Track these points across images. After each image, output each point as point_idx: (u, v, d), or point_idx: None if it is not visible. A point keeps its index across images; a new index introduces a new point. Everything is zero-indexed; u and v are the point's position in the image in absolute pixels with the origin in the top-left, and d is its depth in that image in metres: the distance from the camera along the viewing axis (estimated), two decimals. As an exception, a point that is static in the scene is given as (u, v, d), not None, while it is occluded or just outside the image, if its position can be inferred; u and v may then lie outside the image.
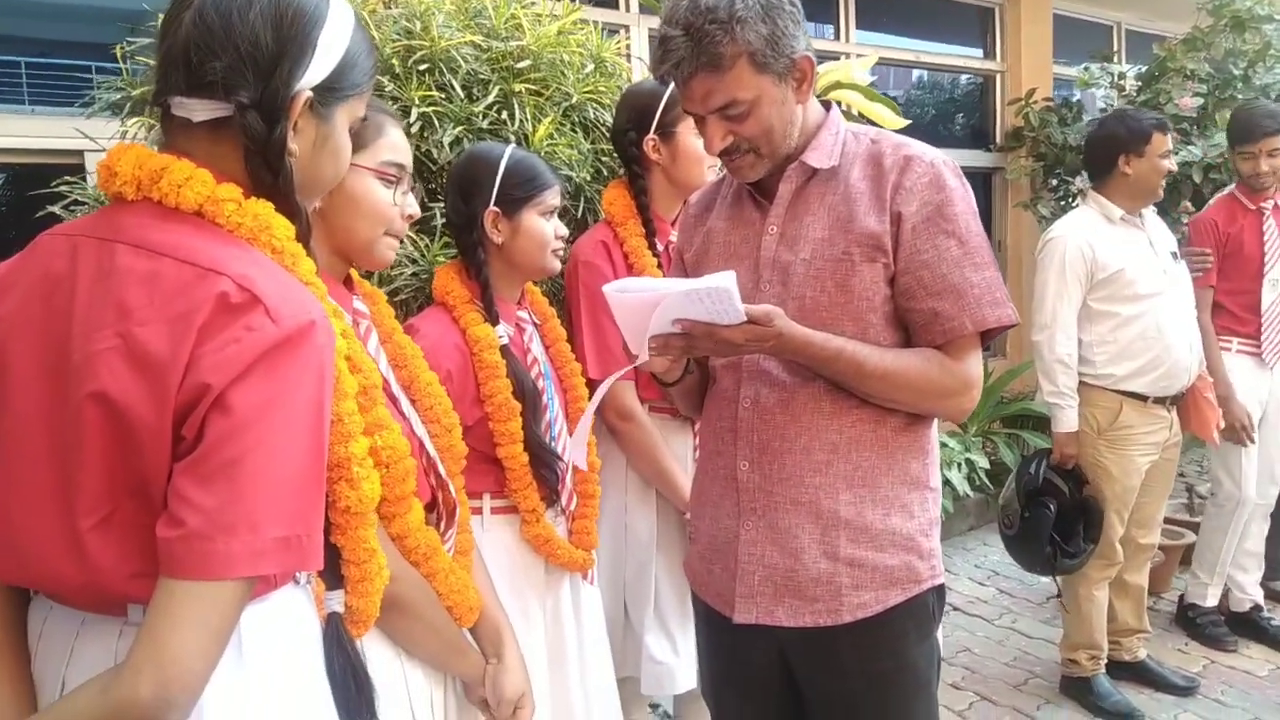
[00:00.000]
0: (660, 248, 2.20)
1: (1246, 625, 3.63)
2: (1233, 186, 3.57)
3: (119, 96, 2.17)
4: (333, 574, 1.21)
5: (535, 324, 1.98)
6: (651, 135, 2.17)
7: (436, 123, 2.08)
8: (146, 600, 0.91)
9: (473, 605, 1.48)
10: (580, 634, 1.95)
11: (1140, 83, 5.09)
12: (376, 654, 1.35)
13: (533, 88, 2.24)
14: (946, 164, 1.54)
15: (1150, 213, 3.13)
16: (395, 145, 1.47)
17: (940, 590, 1.62)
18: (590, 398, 1.79)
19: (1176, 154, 3.60)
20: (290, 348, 0.94)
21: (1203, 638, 3.58)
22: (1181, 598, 3.74)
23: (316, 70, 1.05)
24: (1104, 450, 3.03)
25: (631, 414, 2.14)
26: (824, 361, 1.48)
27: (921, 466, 1.60)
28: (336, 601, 1.24)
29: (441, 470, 1.52)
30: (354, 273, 1.52)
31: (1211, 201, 3.69)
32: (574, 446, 1.63)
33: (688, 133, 2.14)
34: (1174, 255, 3.09)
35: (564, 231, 1.92)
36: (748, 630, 1.58)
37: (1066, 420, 3.00)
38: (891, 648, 1.57)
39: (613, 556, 2.21)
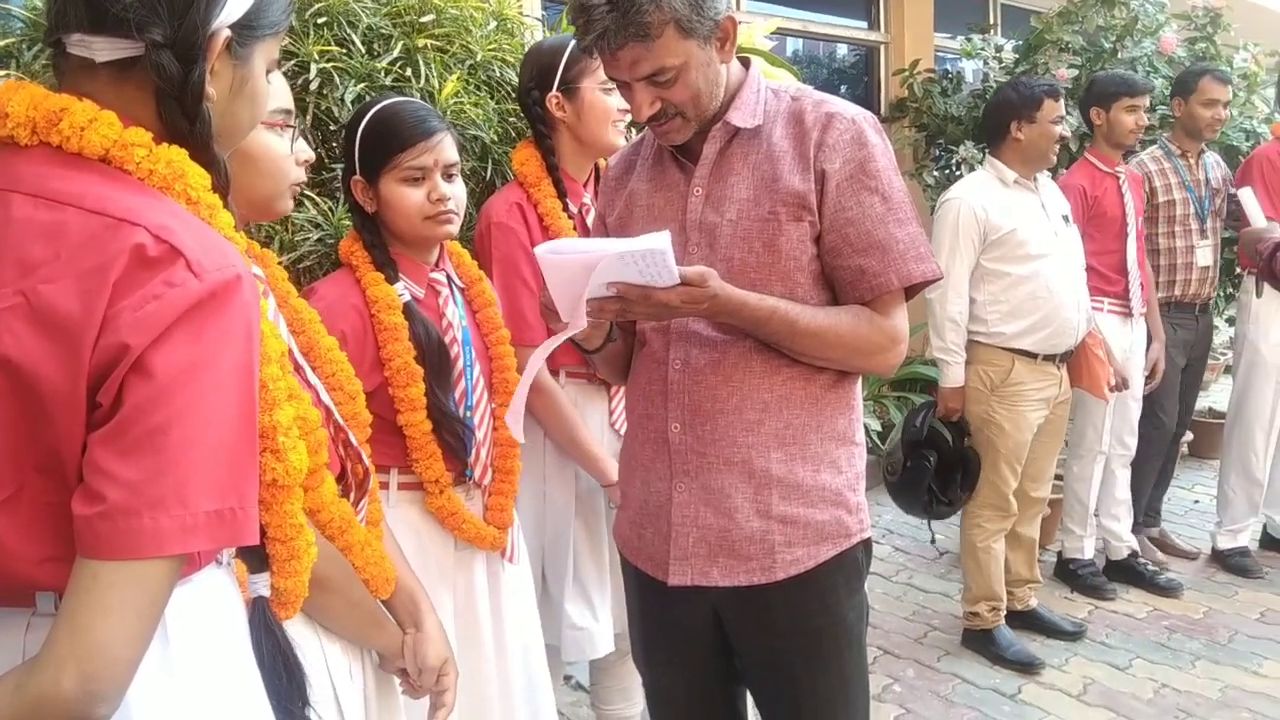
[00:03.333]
0: (573, 209, 2.15)
1: (1127, 572, 3.82)
2: (1086, 152, 3.71)
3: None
4: (255, 556, 1.13)
5: (460, 287, 1.89)
6: (555, 93, 2.10)
7: (337, 79, 1.98)
8: (57, 587, 0.83)
9: (388, 577, 1.43)
10: (498, 615, 1.88)
11: (1018, 55, 5.25)
12: (295, 631, 1.28)
13: (436, 43, 2.15)
14: (868, 119, 1.55)
15: (1045, 177, 3.24)
16: (278, 91, 1.37)
17: (868, 544, 1.64)
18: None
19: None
20: (215, 304, 0.86)
21: (1084, 588, 3.74)
22: (1060, 553, 3.89)
23: (234, 6, 0.96)
24: (996, 406, 3.14)
25: (541, 386, 2.07)
26: (758, 322, 1.47)
27: (848, 423, 1.62)
28: (262, 585, 1.15)
29: (352, 439, 1.46)
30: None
31: (1068, 169, 3.80)
32: (510, 418, 1.57)
33: (593, 88, 2.08)
34: (1065, 218, 3.21)
35: (449, 193, 1.75)
36: (681, 592, 1.58)
37: (953, 375, 3.12)
38: (823, 603, 1.58)
39: (531, 525, 2.17)
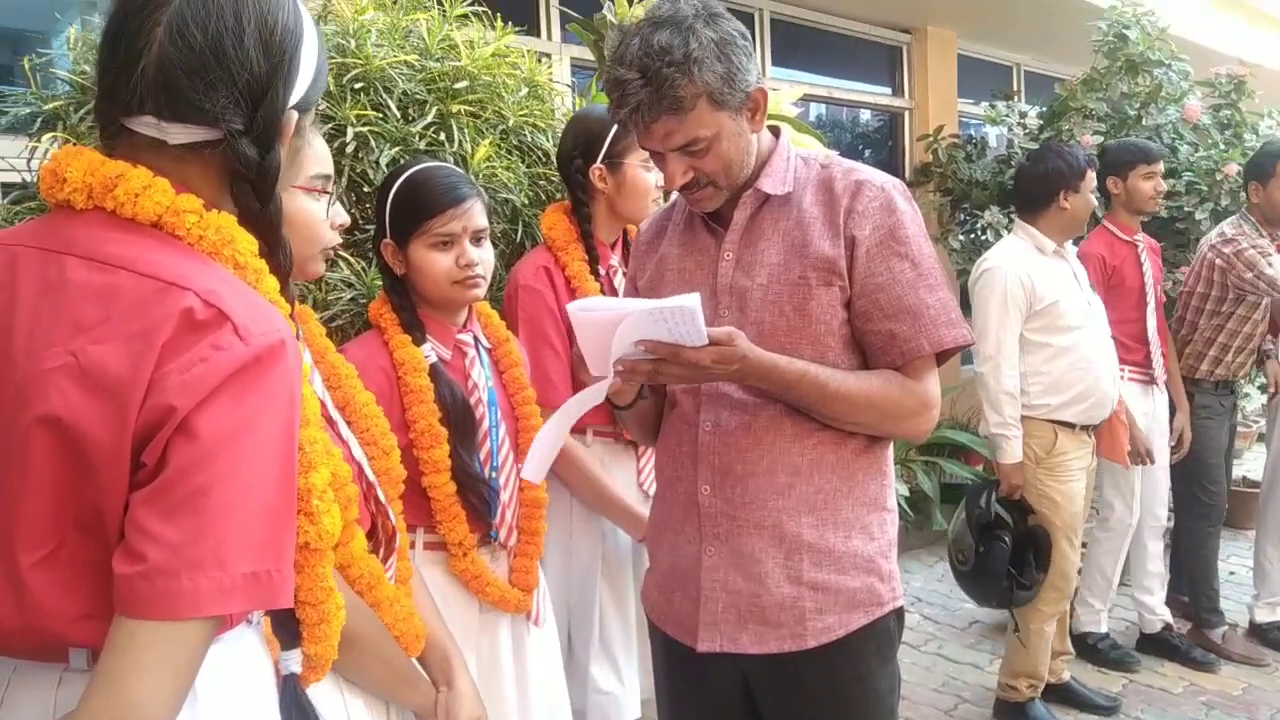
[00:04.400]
0: (601, 273, 2.17)
1: (1159, 645, 3.73)
2: (1104, 220, 3.66)
3: (28, 112, 2.05)
4: (287, 631, 1.12)
5: (487, 347, 1.90)
6: (599, 164, 2.14)
7: (373, 143, 2.02)
8: (92, 644, 0.83)
9: (419, 633, 1.42)
10: (523, 678, 1.85)
11: (1041, 121, 5.30)
12: (317, 688, 1.27)
13: (470, 109, 2.20)
14: (897, 187, 1.56)
15: (1070, 246, 3.22)
16: (319, 156, 1.40)
17: (900, 613, 1.62)
18: None
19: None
20: (260, 368, 0.87)
21: (1108, 662, 3.64)
22: (1071, 627, 3.70)
23: (300, 87, 0.99)
24: (1045, 479, 3.06)
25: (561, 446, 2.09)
26: (788, 385, 1.47)
27: (880, 488, 1.60)
28: (294, 661, 1.15)
29: (381, 495, 1.46)
30: None
31: (1086, 235, 3.72)
32: (531, 463, 1.57)
33: (635, 164, 2.13)
34: (1093, 288, 3.19)
35: (478, 258, 1.76)
36: (710, 659, 1.55)
37: (1012, 451, 3.01)
38: (855, 672, 1.55)
39: (557, 585, 2.15)
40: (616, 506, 2.12)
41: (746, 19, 5.37)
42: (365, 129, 2.02)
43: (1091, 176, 3.08)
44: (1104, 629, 3.72)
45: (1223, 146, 4.65)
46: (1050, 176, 3.09)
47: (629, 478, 2.21)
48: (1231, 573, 4.58)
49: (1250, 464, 5.77)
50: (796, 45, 5.68)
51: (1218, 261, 3.65)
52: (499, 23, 2.51)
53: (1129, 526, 3.62)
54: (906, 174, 6.17)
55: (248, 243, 0.97)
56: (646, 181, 2.14)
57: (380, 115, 2.06)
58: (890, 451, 1.65)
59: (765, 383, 1.48)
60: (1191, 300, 3.79)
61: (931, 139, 5.88)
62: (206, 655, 0.89)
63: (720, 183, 1.52)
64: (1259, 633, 3.88)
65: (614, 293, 2.20)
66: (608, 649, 2.17)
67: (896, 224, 1.52)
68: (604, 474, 2.14)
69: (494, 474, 1.81)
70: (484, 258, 1.78)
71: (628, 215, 2.20)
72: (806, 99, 5.67)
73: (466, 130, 2.14)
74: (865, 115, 6.37)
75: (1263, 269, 3.53)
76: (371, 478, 1.45)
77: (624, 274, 2.16)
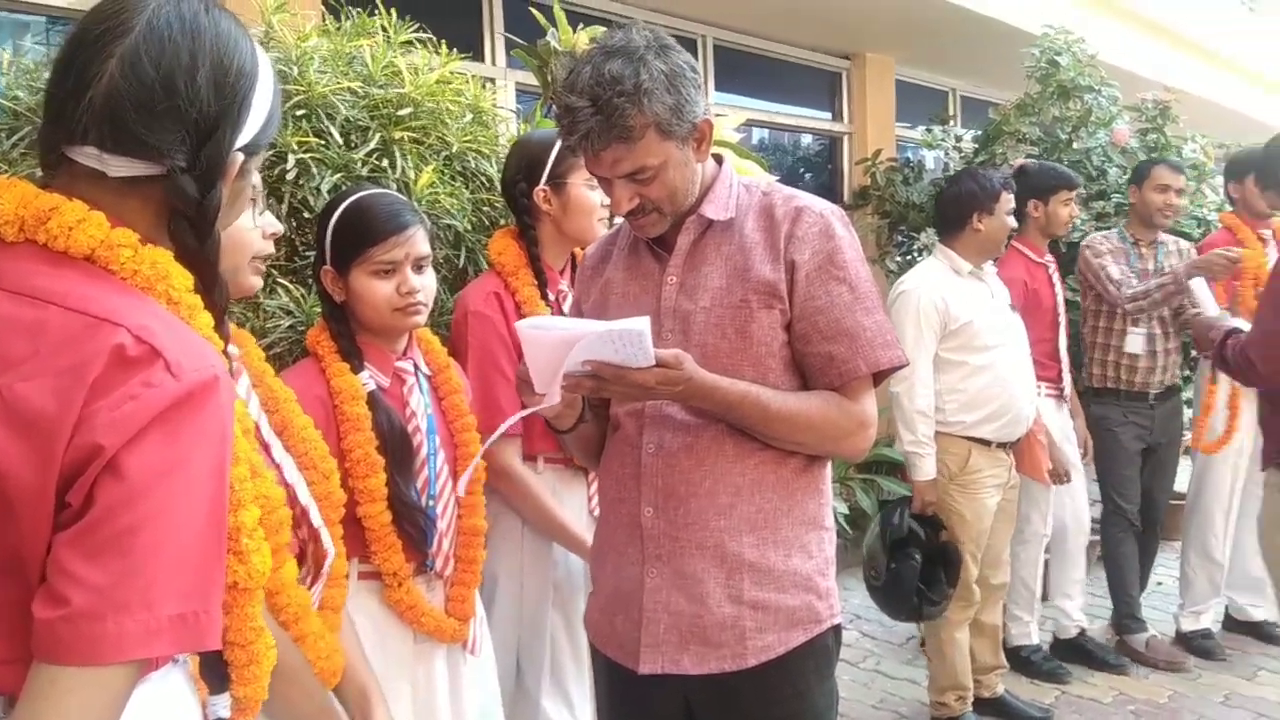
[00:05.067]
0: (550, 297, 2.19)
1: (1076, 651, 3.83)
2: (1014, 241, 3.72)
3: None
4: (215, 675, 1.10)
5: (426, 374, 1.90)
6: (543, 186, 2.15)
7: (314, 169, 2.02)
8: (9, 691, 0.82)
9: (336, 669, 1.42)
10: (459, 708, 1.86)
11: (977, 145, 5.44)
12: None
13: (413, 135, 2.21)
14: (835, 213, 1.61)
15: (990, 266, 3.32)
16: None
17: (838, 630, 1.65)
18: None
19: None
20: (192, 405, 0.86)
21: (1040, 674, 3.72)
22: (1004, 640, 3.76)
23: (249, 130, 0.99)
24: (956, 495, 3.16)
25: (508, 472, 2.08)
26: (730, 405, 1.51)
27: (818, 507, 1.64)
28: (223, 706, 1.13)
29: (315, 520, 1.46)
30: None
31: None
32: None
33: (579, 184, 2.14)
34: (1011, 307, 3.29)
35: (419, 285, 1.76)
36: (651, 681, 1.57)
37: (926, 469, 3.10)
38: (794, 689, 1.58)
39: (508, 615, 2.15)
40: (566, 533, 2.12)
41: (690, 44, 5.45)
42: (306, 155, 2.02)
43: (1006, 199, 3.17)
44: (1035, 641, 3.81)
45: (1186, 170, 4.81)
46: (964, 199, 3.18)
47: (580, 504, 2.22)
48: (1159, 583, 4.71)
49: (1177, 477, 5.94)
50: (739, 71, 5.77)
51: (1081, 265, 3.84)
52: (444, 49, 2.53)
53: (1043, 537, 3.74)
54: (845, 197, 6.28)
55: (182, 278, 0.96)
56: (591, 200, 2.15)
57: (322, 142, 2.06)
58: (828, 471, 1.69)
59: (709, 403, 1.51)
60: (1084, 311, 3.96)
61: (870, 162, 5.99)
62: (130, 698, 0.87)
63: (665, 209, 1.56)
64: (1185, 641, 4.00)
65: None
66: (559, 681, 2.17)
67: (835, 249, 1.57)
68: (554, 501, 2.15)
69: (431, 502, 1.81)
70: (426, 285, 1.79)
71: (575, 236, 2.21)
72: (749, 124, 5.75)
73: (409, 156, 2.15)
74: (807, 139, 6.47)
75: (1102, 265, 3.70)
76: (306, 501, 1.44)
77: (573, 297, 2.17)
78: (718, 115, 1.87)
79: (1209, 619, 4.06)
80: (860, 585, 3.47)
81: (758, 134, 6.21)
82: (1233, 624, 4.17)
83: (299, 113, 2.06)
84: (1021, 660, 3.75)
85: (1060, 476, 3.57)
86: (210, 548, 0.88)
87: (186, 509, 0.85)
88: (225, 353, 0.99)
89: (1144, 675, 3.74)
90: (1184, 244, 3.99)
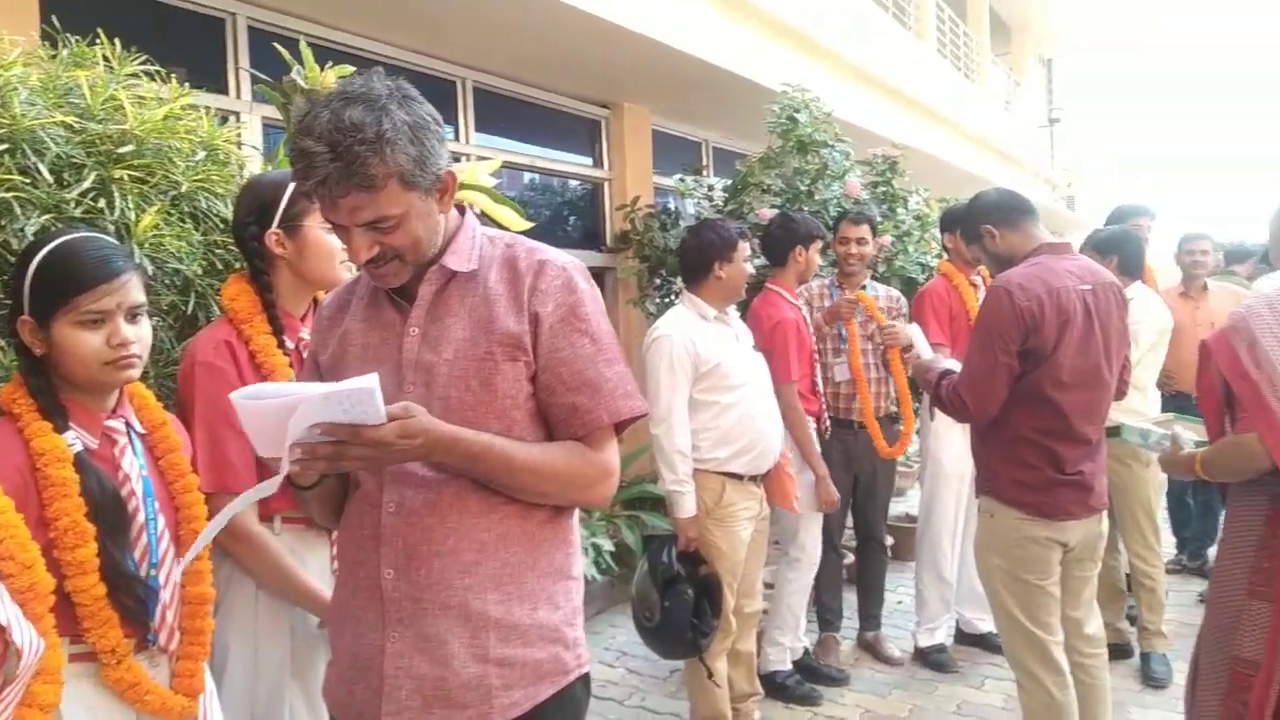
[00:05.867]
0: (290, 345, 2.08)
1: (804, 670, 4.07)
2: (773, 284, 4.03)
3: None
4: None
5: (140, 433, 1.76)
6: (275, 229, 2.06)
7: (18, 209, 1.83)
8: None
9: None
10: None
11: (727, 194, 5.72)
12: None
13: (136, 174, 2.05)
14: (577, 268, 1.63)
15: (733, 310, 3.51)
16: None
17: (586, 679, 1.65)
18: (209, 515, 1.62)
19: (759, 258, 4.10)
20: None
21: (795, 698, 3.91)
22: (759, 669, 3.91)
23: None
24: (713, 529, 3.28)
25: (244, 534, 1.96)
26: (474, 458, 1.49)
27: (565, 557, 1.64)
28: None
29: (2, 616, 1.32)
30: None
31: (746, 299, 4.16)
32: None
33: (315, 226, 2.05)
34: (754, 348, 3.49)
35: (134, 336, 1.64)
36: (395, 750, 1.51)
37: (687, 506, 3.22)
38: (543, 744, 1.56)
39: (243, 689, 2.00)
40: (311, 597, 2.01)
41: (449, 86, 5.43)
42: (10, 195, 1.83)
43: (744, 247, 3.39)
44: (789, 666, 4.00)
45: (880, 219, 5.24)
46: (705, 249, 3.37)
47: (323, 566, 2.10)
48: (899, 602, 5.08)
49: (912, 501, 6.44)
50: (500, 114, 5.80)
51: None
52: (175, 82, 2.38)
53: (815, 565, 3.98)
54: (608, 240, 6.44)
55: None
56: (330, 243, 2.06)
57: (28, 180, 1.88)
58: (574, 521, 1.69)
59: (452, 457, 1.48)
60: None
61: (629, 209, 6.17)
62: None
63: (407, 258, 1.53)
64: (922, 656, 4.32)
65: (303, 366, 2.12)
66: (300, 754, 2.05)
67: (577, 302, 1.59)
68: (293, 562, 2.03)
69: (152, 571, 1.67)
70: (141, 336, 1.66)
71: (316, 280, 2.13)
72: (508, 167, 5.78)
73: (130, 197, 1.99)
74: (573, 184, 6.59)
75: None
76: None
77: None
78: (479, 159, 1.86)
79: (943, 634, 4.40)
80: (627, 622, 3.52)
81: (528, 177, 6.26)
82: (963, 637, 4.54)
83: (1, 148, 1.87)
84: (776, 685, 3.92)
85: (830, 505, 3.87)
86: None
87: None
88: None
89: (887, 693, 4.00)
90: (886, 289, 4.45)
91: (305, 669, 2.07)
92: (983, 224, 2.92)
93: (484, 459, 1.49)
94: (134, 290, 1.65)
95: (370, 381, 1.32)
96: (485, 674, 1.51)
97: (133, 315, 1.65)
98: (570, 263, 1.63)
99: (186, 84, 2.41)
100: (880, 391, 4.24)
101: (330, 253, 2.08)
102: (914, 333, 3.30)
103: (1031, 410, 2.71)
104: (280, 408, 1.32)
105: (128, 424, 1.73)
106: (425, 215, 1.51)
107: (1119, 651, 3.61)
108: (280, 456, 1.38)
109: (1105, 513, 2.93)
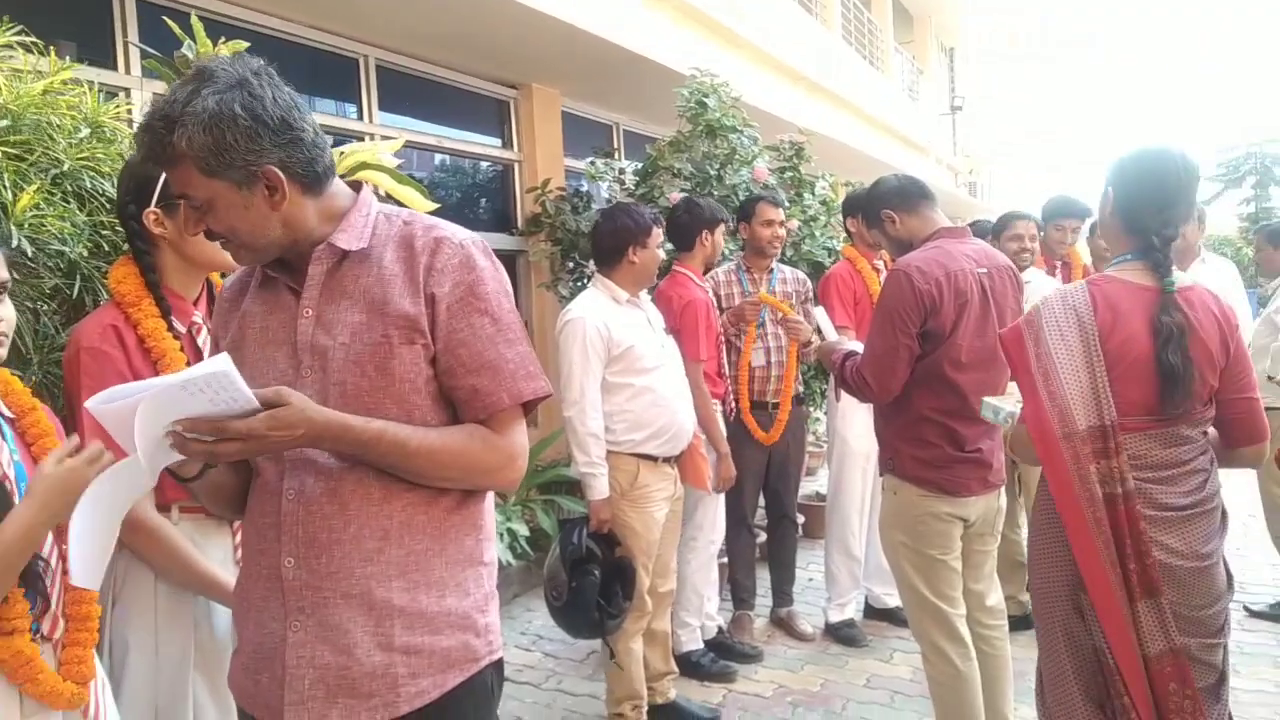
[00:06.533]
0: (181, 328, 2.01)
1: (717, 648, 4.12)
2: (681, 267, 4.07)
3: None
4: None
5: (9, 418, 1.67)
6: (153, 208, 1.98)
7: (-122, 188, 1.73)
8: None
9: None
10: None
11: (638, 178, 5.71)
12: None
13: (13, 152, 1.95)
14: (476, 244, 1.59)
15: (645, 294, 3.51)
16: None
17: (499, 665, 1.63)
18: None
19: (668, 243, 4.12)
20: None
21: (709, 676, 3.95)
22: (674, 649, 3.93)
23: None
24: (628, 510, 3.30)
25: (139, 523, 1.88)
26: (364, 445, 1.45)
27: (475, 543, 1.61)
28: None
29: None
30: None
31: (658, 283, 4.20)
32: (80, 566, 1.40)
33: None
34: (666, 331, 3.50)
35: None
36: (300, 741, 1.47)
37: (600, 488, 3.23)
38: (453, 733, 1.54)
39: (144, 683, 1.93)
40: (214, 585, 1.95)
41: (352, 64, 5.29)
42: None
43: (657, 233, 3.40)
44: (701, 645, 4.04)
45: (786, 204, 5.30)
46: (620, 233, 3.37)
47: (225, 555, 2.05)
48: (810, 579, 5.17)
49: (823, 481, 6.55)
50: (405, 93, 5.68)
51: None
52: (57, 57, 2.26)
53: (714, 544, 4.06)
54: (519, 223, 6.37)
55: None
56: None
57: (-111, 157, 1.77)
58: (486, 505, 1.66)
59: (340, 445, 1.45)
60: None
61: (540, 191, 6.12)
62: None
63: (244, 243, 1.50)
64: (832, 631, 4.41)
65: (196, 351, 2.04)
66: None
67: (476, 280, 1.55)
68: (194, 550, 1.97)
69: (35, 560, 1.60)
70: (5, 316, 1.60)
71: (200, 261, 2.06)
72: (414, 146, 5.68)
73: (5, 174, 1.89)
74: (483, 165, 6.49)
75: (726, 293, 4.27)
76: None
77: (209, 331, 2.01)
78: (383, 138, 1.81)
79: (852, 609, 4.49)
80: (543, 607, 3.50)
81: (438, 159, 6.15)
82: (872, 611, 4.65)
83: None
84: (690, 664, 3.96)
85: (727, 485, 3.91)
86: None
87: None
88: None
89: (800, 668, 4.07)
90: (794, 272, 4.48)
91: (211, 661, 2.02)
92: (883, 209, 2.98)
93: (376, 446, 1.46)
94: None
95: (223, 364, 1.26)
96: (391, 662, 1.49)
97: None
98: (469, 238, 1.58)
99: (68, 58, 2.30)
100: (780, 375, 4.29)
101: None
102: (819, 316, 3.34)
103: (932, 390, 2.78)
104: (131, 408, 1.26)
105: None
106: (240, 208, 1.45)
107: (1019, 622, 3.72)
108: (154, 455, 1.32)
109: (1004, 488, 3.02)
